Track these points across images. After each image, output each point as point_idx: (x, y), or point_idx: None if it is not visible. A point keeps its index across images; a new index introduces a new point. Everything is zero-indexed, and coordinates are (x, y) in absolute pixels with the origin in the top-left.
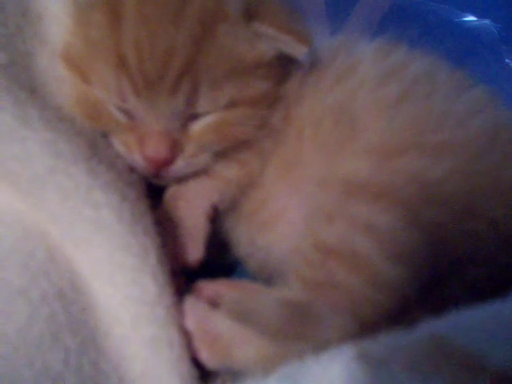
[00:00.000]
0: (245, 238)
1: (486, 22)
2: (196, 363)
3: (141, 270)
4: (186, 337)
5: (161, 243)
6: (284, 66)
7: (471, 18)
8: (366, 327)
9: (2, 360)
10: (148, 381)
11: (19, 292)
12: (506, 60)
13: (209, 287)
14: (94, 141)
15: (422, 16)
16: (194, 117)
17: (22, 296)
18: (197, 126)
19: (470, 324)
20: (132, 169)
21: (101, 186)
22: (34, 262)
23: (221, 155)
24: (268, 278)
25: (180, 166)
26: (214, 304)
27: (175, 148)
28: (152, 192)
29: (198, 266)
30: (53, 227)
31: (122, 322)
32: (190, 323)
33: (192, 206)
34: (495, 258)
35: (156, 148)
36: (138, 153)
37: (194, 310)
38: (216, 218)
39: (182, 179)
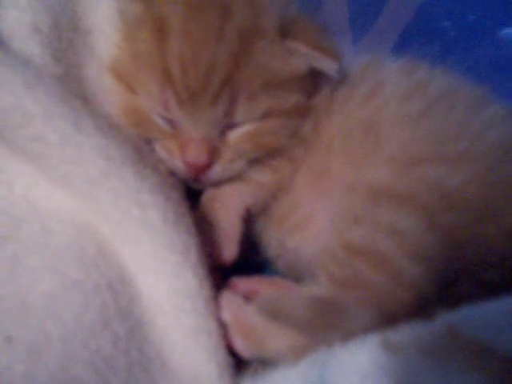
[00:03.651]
0: (275, 240)
1: None
2: (230, 352)
3: (183, 265)
4: (223, 328)
5: (200, 241)
6: (314, 79)
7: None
8: (388, 319)
9: (61, 341)
10: (187, 367)
11: (75, 284)
12: None
13: (243, 283)
14: (139, 147)
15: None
16: (232, 126)
17: (78, 287)
18: (234, 135)
19: (482, 316)
20: (173, 173)
21: (147, 188)
22: (87, 257)
23: (255, 161)
24: (297, 275)
25: (217, 171)
26: (247, 298)
27: (213, 154)
28: (189, 195)
29: (232, 263)
30: (103, 225)
31: (165, 312)
32: (227, 315)
33: (227, 208)
34: (508, 261)
35: (196, 154)
36: (179, 158)
37: (230, 303)
38: (248, 220)
39: (218, 183)
